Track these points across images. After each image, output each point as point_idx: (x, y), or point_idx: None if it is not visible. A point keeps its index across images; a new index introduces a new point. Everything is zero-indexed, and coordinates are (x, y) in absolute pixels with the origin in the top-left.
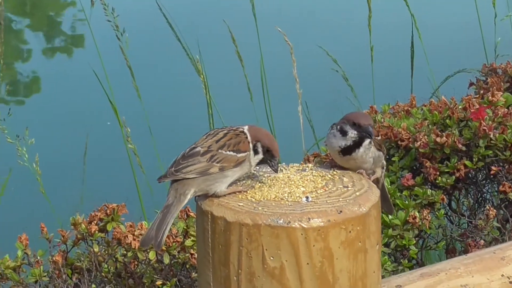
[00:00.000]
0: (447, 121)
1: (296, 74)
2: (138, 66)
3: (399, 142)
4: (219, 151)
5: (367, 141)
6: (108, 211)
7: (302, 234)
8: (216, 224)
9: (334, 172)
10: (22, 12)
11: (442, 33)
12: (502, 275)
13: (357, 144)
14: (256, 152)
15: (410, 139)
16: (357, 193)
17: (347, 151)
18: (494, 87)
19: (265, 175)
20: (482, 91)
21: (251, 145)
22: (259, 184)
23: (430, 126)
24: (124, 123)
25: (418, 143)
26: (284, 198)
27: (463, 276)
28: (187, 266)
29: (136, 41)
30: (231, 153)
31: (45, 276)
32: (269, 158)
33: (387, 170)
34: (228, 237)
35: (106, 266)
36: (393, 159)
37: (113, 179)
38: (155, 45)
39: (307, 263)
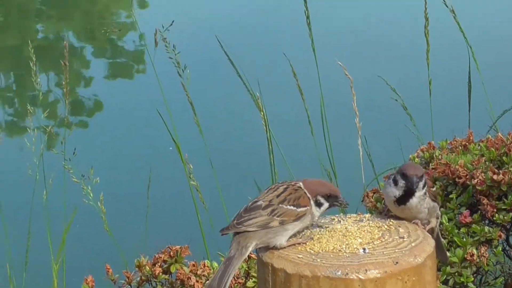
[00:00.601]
0: (504, 158)
1: (356, 108)
2: (200, 102)
3: (456, 179)
4: (280, 205)
5: (421, 192)
6: (171, 253)
7: (359, 285)
8: (276, 276)
9: (390, 223)
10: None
11: (501, 66)
12: None
13: (408, 194)
14: (319, 204)
15: (468, 176)
16: (413, 244)
17: (401, 201)
18: None
19: (324, 227)
20: None
21: (311, 201)
22: (318, 236)
23: (487, 163)
24: (187, 160)
25: (476, 180)
26: (342, 249)
27: None
28: None
29: (197, 77)
30: (291, 207)
31: None
32: (334, 201)
33: (445, 207)
34: None
35: None
36: (450, 196)
37: (177, 217)
38: (216, 81)
39: None
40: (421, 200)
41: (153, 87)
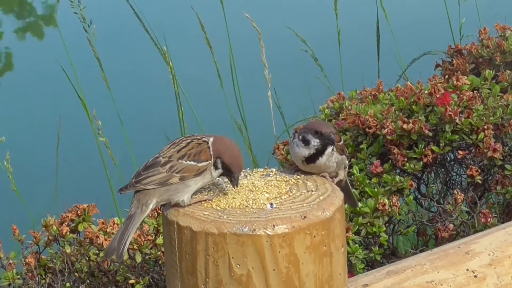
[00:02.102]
0: (414, 107)
1: (265, 60)
2: (107, 58)
3: (366, 130)
4: (179, 161)
5: (329, 148)
6: (79, 212)
7: (267, 241)
8: (182, 234)
9: (298, 177)
10: None
11: (408, 14)
12: (467, 270)
13: (320, 152)
14: (216, 167)
15: (378, 126)
16: (321, 198)
17: (311, 159)
18: (459, 71)
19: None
20: (448, 73)
21: (212, 158)
22: (224, 192)
23: (397, 112)
24: (95, 116)
25: (386, 130)
26: (249, 205)
27: (429, 272)
28: (160, 263)
29: (103, 32)
30: (192, 162)
31: (18, 278)
32: (228, 174)
33: (355, 158)
34: (195, 247)
35: (79, 265)
36: (361, 146)
37: (86, 175)
38: (123, 37)
39: (273, 269)
40: (329, 157)
41: (60, 46)
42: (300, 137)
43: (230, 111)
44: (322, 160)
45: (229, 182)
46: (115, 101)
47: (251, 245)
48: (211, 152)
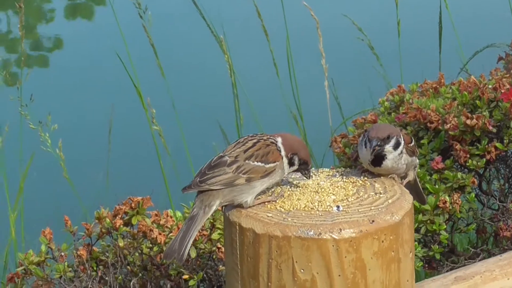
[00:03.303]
0: (477, 101)
1: (322, 49)
2: (161, 44)
3: (428, 124)
4: (246, 161)
5: (394, 153)
6: (133, 205)
7: (333, 245)
8: (244, 236)
9: (365, 178)
10: None
11: (471, 5)
12: None
13: (378, 157)
14: (291, 164)
15: (440, 121)
16: (390, 201)
17: (375, 163)
18: None
19: (295, 182)
20: (511, 67)
21: (285, 158)
22: (289, 193)
23: (459, 107)
24: (149, 104)
25: (448, 125)
26: (314, 207)
27: (499, 279)
28: (214, 258)
29: (159, 19)
30: (259, 163)
31: (69, 271)
32: (303, 168)
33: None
34: (257, 250)
35: (131, 259)
36: (422, 141)
37: (138, 165)
38: (179, 23)
39: (339, 275)
40: (397, 160)
41: (115, 29)
42: (365, 138)
43: (285, 101)
44: (388, 163)
45: (303, 175)
46: (170, 90)
47: (316, 249)
48: (283, 151)
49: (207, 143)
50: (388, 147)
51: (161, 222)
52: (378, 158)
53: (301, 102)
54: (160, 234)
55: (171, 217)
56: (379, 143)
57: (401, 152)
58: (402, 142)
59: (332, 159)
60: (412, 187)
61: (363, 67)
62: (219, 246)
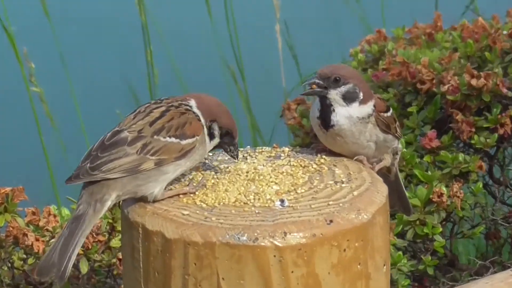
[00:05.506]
0: (487, 53)
1: None
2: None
3: (418, 86)
4: (155, 137)
5: (348, 106)
6: None
7: (275, 256)
8: (150, 242)
9: (322, 160)
10: None
11: None
12: None
13: (325, 107)
14: (212, 135)
15: (434, 81)
16: (355, 193)
17: (325, 120)
18: None
19: (222, 166)
20: None
21: (205, 128)
22: (213, 181)
23: (462, 61)
24: (26, 57)
25: (446, 87)
26: (249, 202)
27: None
28: (115, 273)
29: None
30: (172, 139)
31: None
32: (227, 142)
33: (401, 126)
34: (168, 262)
35: None
36: (409, 109)
37: (10, 140)
38: None
39: None
40: (356, 123)
41: None
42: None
43: (220, 52)
44: (342, 123)
45: (228, 154)
46: (57, 37)
47: (252, 261)
48: (202, 119)
49: (111, 110)
50: (334, 93)
51: (40, 224)
52: (326, 111)
53: (241, 54)
54: (37, 240)
55: (54, 216)
56: (320, 82)
57: (369, 116)
58: (361, 95)
59: (285, 134)
60: (391, 185)
61: (331, 3)
62: (120, 257)
